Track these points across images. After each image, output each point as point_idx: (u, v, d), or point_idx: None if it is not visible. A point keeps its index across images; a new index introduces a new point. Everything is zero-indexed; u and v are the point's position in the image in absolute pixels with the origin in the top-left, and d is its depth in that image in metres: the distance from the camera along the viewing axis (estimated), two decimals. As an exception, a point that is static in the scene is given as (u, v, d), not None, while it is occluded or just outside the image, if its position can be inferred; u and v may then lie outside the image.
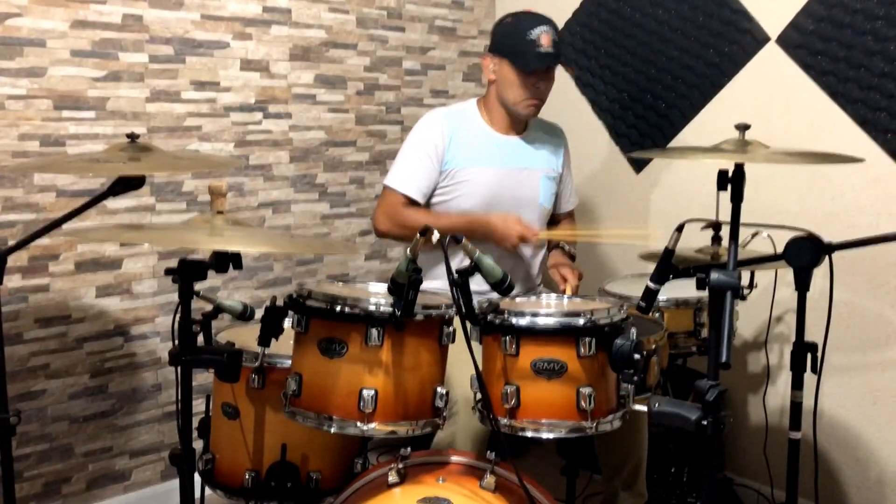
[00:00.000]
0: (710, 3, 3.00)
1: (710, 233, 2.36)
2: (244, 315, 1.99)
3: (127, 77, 2.71)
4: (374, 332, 1.72)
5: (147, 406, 2.87)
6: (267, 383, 1.98)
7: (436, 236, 1.68)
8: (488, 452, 1.84)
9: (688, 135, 3.10)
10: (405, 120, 3.40)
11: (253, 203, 3.05)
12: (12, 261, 2.22)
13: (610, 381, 1.81)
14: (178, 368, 1.82)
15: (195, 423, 1.96)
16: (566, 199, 2.90)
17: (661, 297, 2.26)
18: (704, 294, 1.79)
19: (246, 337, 2.02)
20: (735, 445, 3.02)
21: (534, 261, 2.76)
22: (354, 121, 3.28)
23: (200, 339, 1.92)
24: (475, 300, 1.78)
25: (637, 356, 1.73)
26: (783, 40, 2.82)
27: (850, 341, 2.73)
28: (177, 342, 1.82)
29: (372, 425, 1.73)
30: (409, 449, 1.87)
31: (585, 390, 1.74)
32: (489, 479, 1.77)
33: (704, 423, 1.56)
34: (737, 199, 1.87)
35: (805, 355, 2.13)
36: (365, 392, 1.72)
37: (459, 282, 1.71)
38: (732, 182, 1.87)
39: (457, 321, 1.75)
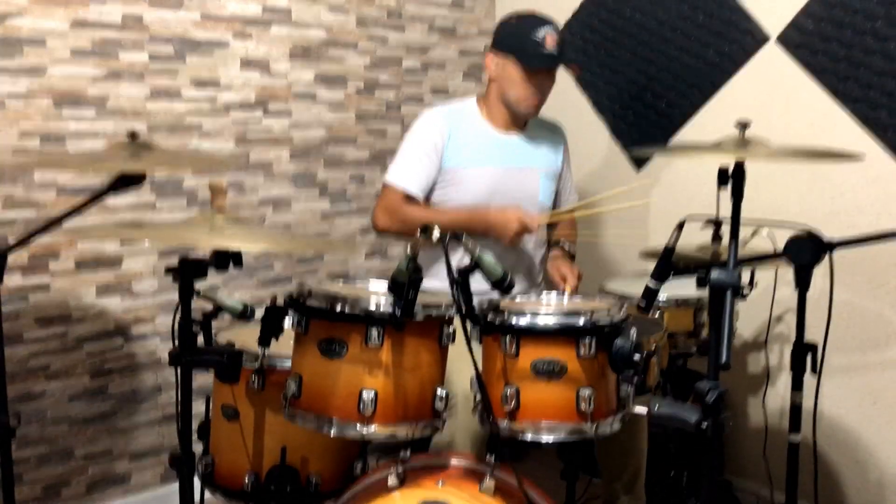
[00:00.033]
0: (710, 2, 2.99)
1: (710, 231, 2.35)
2: (244, 315, 1.99)
3: (127, 75, 2.70)
4: (374, 332, 1.71)
5: (147, 408, 2.87)
6: (267, 385, 1.98)
7: (436, 235, 1.67)
8: (488, 456, 1.83)
9: (688, 134, 3.10)
10: (405, 118, 3.40)
11: (253, 201, 3.05)
12: (13, 259, 2.21)
13: (610, 382, 1.80)
14: (178, 369, 1.82)
15: (195, 425, 1.96)
16: (566, 197, 2.90)
17: (661, 296, 2.26)
18: (704, 293, 1.79)
19: (246, 337, 2.02)
20: (734, 447, 3.02)
21: (535, 258, 2.76)
22: (355, 119, 3.28)
23: (200, 339, 1.92)
24: (475, 300, 1.77)
25: (637, 357, 1.72)
26: (783, 40, 2.81)
27: (850, 341, 2.73)
28: (177, 342, 1.82)
29: (372, 428, 1.73)
30: (408, 452, 1.86)
31: (585, 392, 1.73)
32: (489, 483, 1.76)
33: (704, 425, 1.56)
34: (737, 197, 1.86)
35: (805, 356, 2.13)
36: (365, 393, 1.71)
37: (460, 281, 1.70)
38: (733, 179, 1.87)
39: (457, 321, 1.74)
